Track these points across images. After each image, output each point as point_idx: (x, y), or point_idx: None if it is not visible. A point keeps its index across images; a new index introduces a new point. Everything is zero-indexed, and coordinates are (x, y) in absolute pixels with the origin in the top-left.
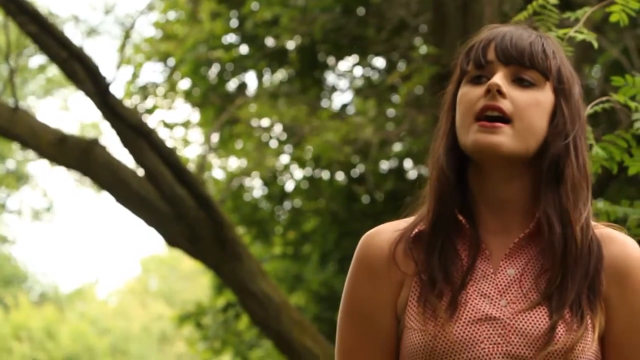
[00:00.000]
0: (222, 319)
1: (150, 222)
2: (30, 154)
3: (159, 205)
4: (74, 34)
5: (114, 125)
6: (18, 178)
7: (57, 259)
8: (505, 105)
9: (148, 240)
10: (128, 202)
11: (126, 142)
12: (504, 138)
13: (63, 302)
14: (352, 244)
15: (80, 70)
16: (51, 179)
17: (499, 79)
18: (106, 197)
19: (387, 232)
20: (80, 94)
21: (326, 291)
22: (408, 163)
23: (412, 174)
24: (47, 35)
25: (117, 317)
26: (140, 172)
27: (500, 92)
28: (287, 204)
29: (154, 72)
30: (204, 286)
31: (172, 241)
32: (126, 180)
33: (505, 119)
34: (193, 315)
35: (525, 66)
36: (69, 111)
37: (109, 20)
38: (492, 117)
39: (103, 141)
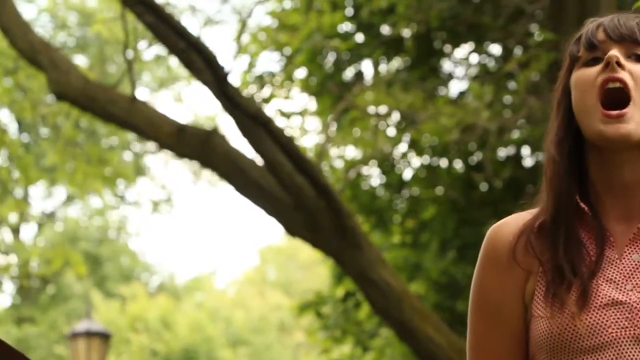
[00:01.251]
0: (342, 308)
1: (270, 211)
2: (148, 146)
3: (278, 194)
4: (191, 24)
5: (232, 115)
6: (136, 170)
7: (175, 250)
8: (625, 76)
9: (266, 230)
10: (247, 191)
11: (245, 132)
12: (632, 125)
13: (181, 292)
14: (471, 232)
15: (198, 60)
16: (169, 171)
17: (616, 51)
18: (224, 187)
19: (513, 224)
20: (195, 86)
21: (446, 279)
22: (526, 150)
23: (529, 162)
24: (164, 26)
25: (236, 307)
26: (259, 161)
27: (619, 64)
28: (405, 192)
29: (270, 61)
30: (322, 276)
31: (292, 230)
32: (245, 170)
33: (625, 95)
34: (313, 304)
35: (637, 42)
36: (183, 103)
37: (225, 9)
38: (612, 91)
39: (221, 131)
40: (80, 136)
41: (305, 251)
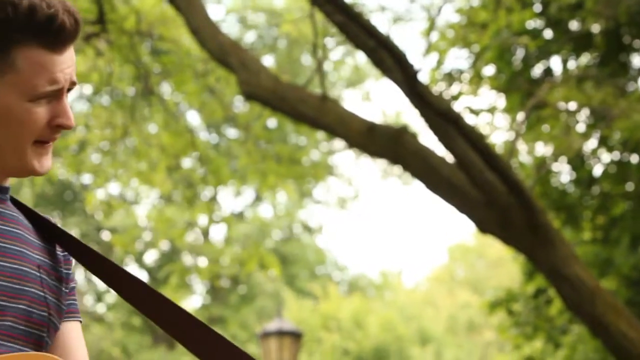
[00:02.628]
0: (533, 305)
1: (461, 208)
2: (335, 144)
3: (469, 191)
4: (380, 23)
5: (422, 113)
6: (324, 169)
7: (363, 247)
8: None
9: (455, 228)
10: (438, 188)
11: (435, 129)
12: None
13: (370, 291)
14: None
15: (387, 59)
16: (357, 169)
17: None
18: (413, 184)
19: None
20: (383, 84)
21: (637, 275)
22: None
23: None
24: (354, 25)
25: (425, 305)
26: (450, 158)
27: None
28: (595, 189)
29: (458, 58)
30: (510, 273)
31: (483, 227)
32: (436, 167)
33: None
34: (504, 301)
35: None
36: (371, 102)
37: (414, 7)
38: None
39: (411, 129)
40: (270, 136)
41: (493, 249)
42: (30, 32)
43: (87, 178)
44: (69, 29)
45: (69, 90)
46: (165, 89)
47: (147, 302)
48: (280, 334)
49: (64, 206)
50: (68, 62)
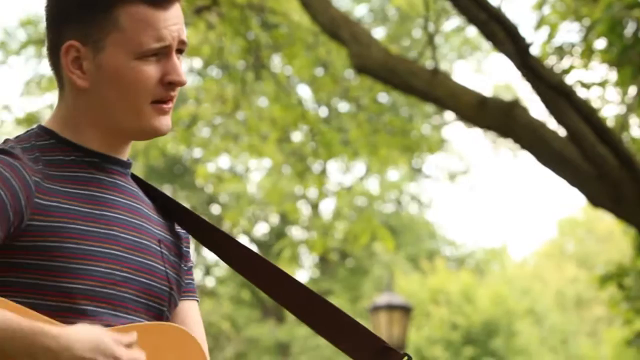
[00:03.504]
0: None
1: (572, 182)
2: (446, 117)
3: (581, 165)
4: None
5: (534, 86)
6: (436, 142)
7: (473, 221)
8: None
9: (565, 202)
10: (550, 162)
11: (547, 103)
12: None
13: (479, 264)
14: None
15: (499, 32)
16: (467, 142)
17: None
18: (524, 157)
19: None
20: (494, 56)
21: None
22: None
23: None
24: None
25: (533, 280)
26: (561, 132)
27: None
28: None
29: (569, 32)
30: (620, 248)
31: (595, 201)
32: (547, 140)
33: None
34: (614, 276)
35: None
36: (483, 74)
37: None
38: None
39: (523, 102)
40: (380, 109)
41: (604, 223)
42: None
43: (197, 152)
44: None
45: (179, 51)
46: (276, 62)
47: (261, 274)
48: (390, 307)
49: (174, 179)
50: (174, 19)
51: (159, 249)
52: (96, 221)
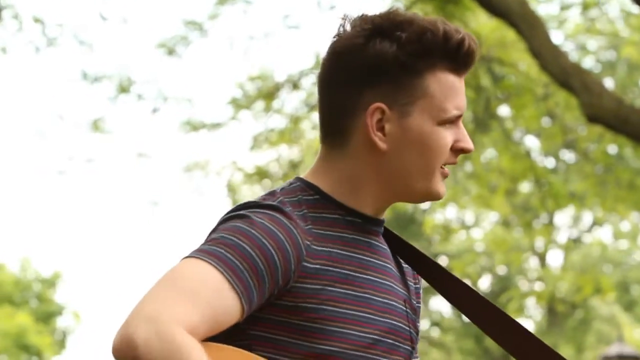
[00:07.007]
0: None
1: None
2: None
3: None
4: None
5: None
6: None
7: None
8: None
9: None
10: None
11: None
12: None
13: None
14: None
15: None
16: None
17: None
18: None
19: None
20: None
21: None
22: None
23: None
24: None
25: None
26: None
27: None
28: None
29: None
30: None
31: None
32: None
33: None
34: None
35: None
36: None
37: None
38: None
39: None
40: (609, 160)
41: None
42: (444, 57)
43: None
44: (474, 54)
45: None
46: (503, 112)
47: (492, 321)
48: (621, 358)
49: (400, 230)
50: (464, 87)
51: (404, 309)
52: (352, 284)
